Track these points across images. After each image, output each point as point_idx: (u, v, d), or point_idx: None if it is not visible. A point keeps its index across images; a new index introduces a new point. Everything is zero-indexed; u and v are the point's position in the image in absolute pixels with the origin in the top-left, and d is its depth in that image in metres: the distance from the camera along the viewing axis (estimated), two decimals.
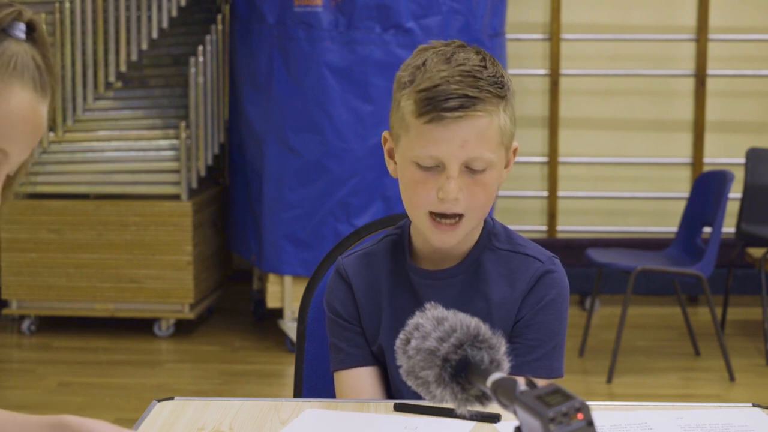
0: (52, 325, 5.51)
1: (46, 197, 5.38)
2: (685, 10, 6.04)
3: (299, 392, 2.09)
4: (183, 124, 5.30)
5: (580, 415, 1.11)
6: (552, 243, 5.94)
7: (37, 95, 1.35)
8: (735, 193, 5.31)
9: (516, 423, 1.17)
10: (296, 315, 2.86)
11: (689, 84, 6.09)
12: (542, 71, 6.08)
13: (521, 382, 1.19)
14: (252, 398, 1.82)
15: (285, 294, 5.24)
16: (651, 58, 6.09)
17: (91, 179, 5.37)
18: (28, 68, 1.34)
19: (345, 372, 1.90)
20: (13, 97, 1.33)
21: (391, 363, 1.87)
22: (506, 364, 1.30)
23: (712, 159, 6.07)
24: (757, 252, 5.22)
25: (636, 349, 5.26)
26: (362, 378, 1.89)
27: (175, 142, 5.36)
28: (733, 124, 6.12)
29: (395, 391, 1.89)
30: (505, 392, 1.19)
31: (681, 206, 5.41)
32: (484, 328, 1.31)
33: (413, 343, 1.33)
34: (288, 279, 5.23)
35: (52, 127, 5.33)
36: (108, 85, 5.40)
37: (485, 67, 1.76)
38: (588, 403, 1.13)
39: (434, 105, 1.72)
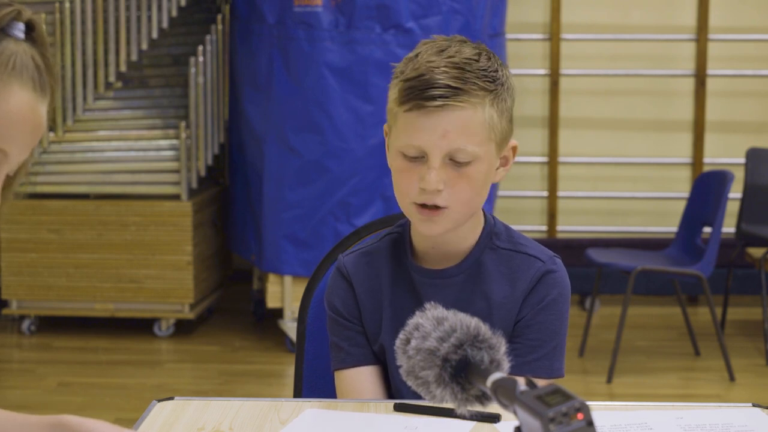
0: (52, 325, 5.51)
1: (46, 197, 5.38)
2: (685, 10, 6.04)
3: (299, 392, 2.09)
4: (183, 124, 5.30)
5: (580, 415, 1.11)
6: (552, 243, 5.94)
7: (36, 95, 1.35)
8: (735, 193, 5.31)
9: (516, 423, 1.17)
10: (296, 315, 2.86)
11: (689, 84, 6.09)
12: (542, 71, 6.08)
13: (521, 382, 1.19)
14: (252, 398, 1.82)
15: (285, 294, 5.24)
16: (651, 58, 6.09)
17: (91, 179, 5.36)
18: (27, 68, 1.34)
19: (346, 371, 1.90)
20: (12, 97, 1.33)
21: (391, 362, 1.87)
22: (506, 364, 1.30)
23: (712, 159, 6.07)
24: (757, 252, 5.22)
25: (636, 349, 5.26)
26: (363, 377, 1.89)
27: (175, 142, 5.36)
28: (733, 124, 6.12)
29: (396, 390, 1.89)
30: (505, 392, 1.19)
31: (681, 206, 5.41)
32: (484, 328, 1.31)
33: (413, 343, 1.33)
34: (288, 279, 5.23)
35: (52, 127, 5.33)
36: (108, 85, 5.40)
37: (477, 60, 1.76)
38: (588, 403, 1.13)
39: (416, 93, 1.73)
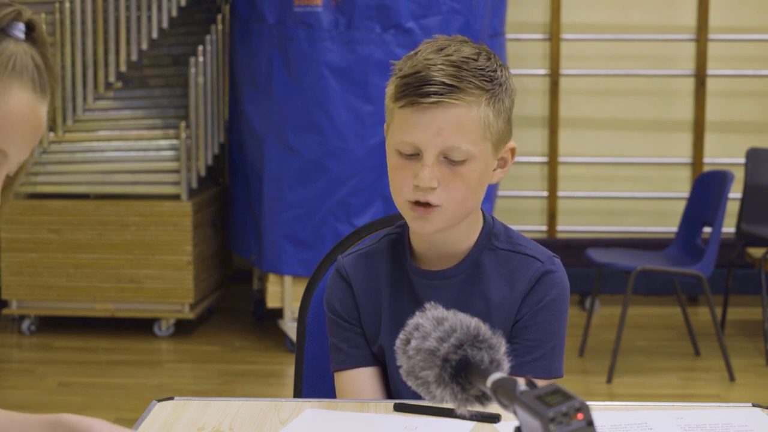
0: (52, 325, 5.51)
1: (46, 197, 5.38)
2: (685, 10, 6.04)
3: (299, 392, 2.09)
4: (183, 124, 5.30)
5: (580, 415, 1.11)
6: (552, 243, 5.94)
7: (36, 95, 1.35)
8: (735, 193, 5.31)
9: (516, 423, 1.17)
10: (296, 315, 2.86)
11: (689, 84, 6.09)
12: (542, 71, 6.08)
13: (521, 382, 1.19)
14: (252, 398, 1.82)
15: (285, 294, 5.24)
16: (651, 58, 6.09)
17: (91, 179, 5.37)
18: (27, 68, 1.34)
19: (345, 372, 1.90)
20: (12, 97, 1.32)
21: (390, 363, 1.87)
22: (506, 364, 1.30)
23: (712, 159, 6.07)
24: (757, 252, 5.22)
25: (636, 349, 5.26)
26: (362, 378, 1.89)
27: (175, 142, 5.36)
28: (733, 124, 6.12)
29: (395, 391, 1.89)
30: (505, 392, 1.19)
31: (681, 206, 5.41)
32: (484, 328, 1.31)
33: (413, 343, 1.33)
34: (288, 279, 5.23)
35: (52, 127, 5.33)
36: (108, 85, 5.40)
37: (476, 59, 1.76)
38: (588, 403, 1.13)
39: (411, 90, 1.73)
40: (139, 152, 5.37)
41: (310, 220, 5.13)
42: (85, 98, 5.37)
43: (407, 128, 1.75)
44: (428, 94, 1.72)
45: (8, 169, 1.36)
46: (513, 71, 6.09)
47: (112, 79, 5.35)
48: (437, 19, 4.99)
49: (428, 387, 1.32)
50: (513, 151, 1.85)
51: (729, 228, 5.54)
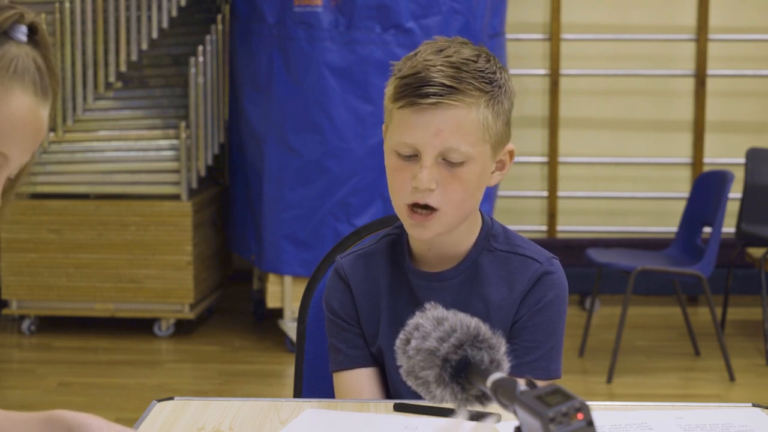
0: (52, 325, 5.51)
1: (46, 197, 5.38)
2: (685, 10, 6.04)
3: (299, 392, 2.09)
4: (183, 124, 5.30)
5: (580, 415, 1.11)
6: (552, 243, 5.94)
7: (37, 98, 1.35)
8: (735, 193, 5.31)
9: (516, 423, 1.18)
10: (296, 315, 2.86)
11: (689, 84, 6.09)
12: (542, 71, 6.08)
13: (521, 382, 1.19)
14: (252, 398, 1.82)
15: (285, 294, 5.24)
16: (651, 58, 6.09)
17: (91, 179, 5.37)
18: (28, 71, 1.33)
19: (344, 373, 1.89)
20: (13, 100, 1.32)
21: (389, 364, 1.87)
22: (506, 364, 1.30)
23: (712, 159, 6.07)
24: (757, 252, 5.22)
25: (636, 349, 5.26)
26: (361, 379, 1.89)
27: (175, 142, 5.36)
28: (733, 124, 6.12)
29: (394, 392, 1.88)
30: (505, 392, 1.19)
31: (681, 206, 5.41)
32: (484, 328, 1.31)
33: (413, 343, 1.33)
34: (288, 279, 5.23)
35: (52, 127, 5.33)
36: (108, 85, 5.40)
37: (475, 61, 1.75)
38: (588, 403, 1.13)
39: (410, 90, 1.73)
40: (139, 152, 5.37)
41: (310, 220, 5.13)
42: (85, 98, 5.37)
43: (406, 129, 1.75)
44: (427, 95, 1.72)
45: (9, 171, 1.36)
46: (513, 71, 6.04)
47: (112, 79, 5.35)
48: (437, 19, 4.99)
49: (428, 387, 1.32)
50: (511, 153, 1.84)
51: (729, 228, 5.54)
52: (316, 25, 5.00)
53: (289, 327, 5.21)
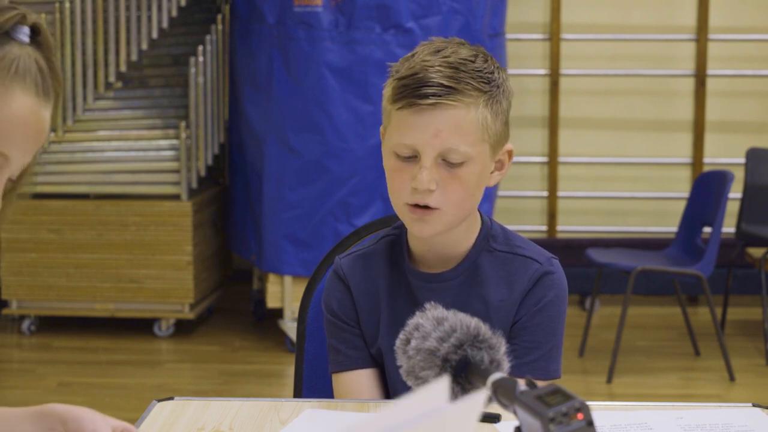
0: (52, 325, 5.51)
1: (46, 197, 5.38)
2: (685, 10, 6.04)
3: (299, 392, 2.09)
4: (183, 124, 5.30)
5: (580, 415, 1.11)
6: (552, 243, 5.94)
7: (39, 99, 1.35)
8: (735, 193, 5.31)
9: (516, 423, 1.18)
10: (296, 315, 2.86)
11: (689, 84, 6.09)
12: (542, 71, 6.08)
13: (521, 382, 1.19)
14: (252, 398, 1.82)
15: (285, 294, 5.24)
16: (651, 58, 6.09)
17: (91, 179, 5.37)
18: (30, 72, 1.33)
19: (343, 374, 1.89)
20: (14, 101, 1.32)
21: (389, 365, 1.86)
22: (506, 364, 1.30)
23: (712, 159, 6.07)
24: (757, 252, 5.22)
25: (636, 349, 5.26)
26: (360, 380, 1.88)
27: (175, 142, 5.36)
28: (733, 124, 6.12)
29: (393, 393, 1.88)
30: (505, 392, 1.19)
31: (681, 206, 5.41)
32: (484, 328, 1.31)
33: (413, 343, 1.33)
34: (288, 279, 5.23)
35: (52, 128, 5.32)
36: (108, 85, 5.40)
37: (473, 61, 1.75)
38: (588, 403, 1.13)
39: (409, 91, 1.72)
40: (139, 152, 5.37)
41: (310, 220, 5.13)
42: (85, 98, 5.37)
43: (405, 130, 1.74)
44: (426, 96, 1.71)
45: (10, 172, 1.36)
46: (513, 71, 6.05)
47: (112, 79, 5.35)
48: (437, 19, 4.99)
49: None
50: (510, 153, 1.84)
51: (729, 228, 5.54)
52: (316, 25, 5.00)
53: (289, 327, 5.21)
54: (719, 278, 5.58)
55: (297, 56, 5.05)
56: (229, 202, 5.75)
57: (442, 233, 1.80)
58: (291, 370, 3.94)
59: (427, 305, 1.36)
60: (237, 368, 5.03)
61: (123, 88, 5.44)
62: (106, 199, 5.37)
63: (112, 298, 5.36)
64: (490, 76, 1.76)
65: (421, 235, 1.79)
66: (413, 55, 1.77)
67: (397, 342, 1.37)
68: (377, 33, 4.98)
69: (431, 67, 1.72)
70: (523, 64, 6.04)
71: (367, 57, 4.98)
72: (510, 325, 1.83)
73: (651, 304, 6.00)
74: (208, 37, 5.36)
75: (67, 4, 5.23)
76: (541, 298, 1.83)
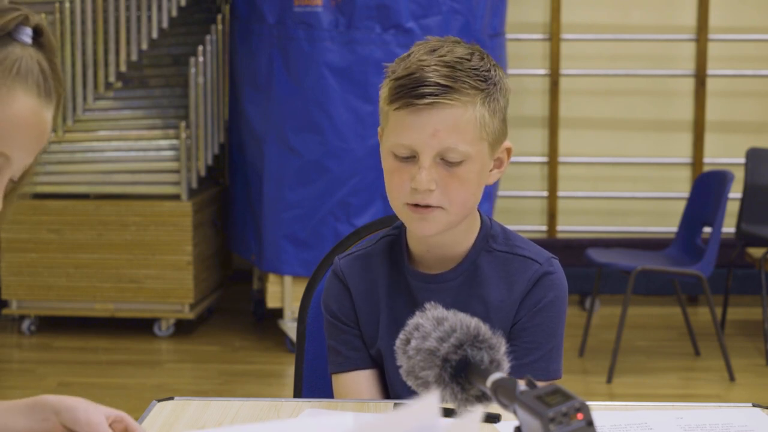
0: (52, 325, 5.51)
1: (46, 197, 5.38)
2: (685, 10, 6.04)
3: (299, 392, 2.09)
4: (183, 124, 5.30)
5: (580, 415, 1.11)
6: (552, 243, 5.94)
7: (41, 100, 1.35)
8: (735, 193, 5.31)
9: (516, 423, 1.18)
10: (296, 315, 2.85)
11: (689, 84, 6.09)
12: (542, 71, 6.08)
13: (521, 382, 1.19)
14: (252, 398, 1.82)
15: (285, 294, 5.24)
16: (651, 58, 6.09)
17: (91, 179, 5.37)
18: (32, 73, 1.34)
19: (343, 375, 1.89)
20: (15, 101, 1.32)
21: (389, 366, 1.86)
22: (506, 364, 1.30)
23: (712, 159, 6.07)
24: (757, 252, 5.22)
25: (636, 349, 5.26)
26: (360, 381, 1.88)
27: (175, 142, 5.36)
28: (733, 124, 6.12)
29: (393, 394, 1.88)
30: (505, 392, 1.19)
31: (681, 206, 5.41)
32: (484, 328, 1.31)
33: (413, 343, 1.33)
34: (288, 279, 5.23)
35: (52, 128, 5.32)
36: (108, 85, 5.40)
37: (469, 59, 1.75)
38: (588, 403, 1.13)
39: (406, 92, 1.72)
40: (139, 152, 5.37)
41: (310, 220, 5.13)
42: (85, 98, 5.37)
43: (402, 130, 1.74)
44: (423, 96, 1.71)
45: (11, 173, 1.36)
46: (513, 71, 6.03)
47: (112, 79, 5.35)
48: (437, 19, 4.99)
49: (428, 387, 1.32)
50: (509, 151, 1.83)
51: (729, 228, 5.54)
52: (316, 25, 5.00)
53: (289, 327, 5.21)
54: (719, 278, 5.58)
55: (297, 56, 5.05)
56: (229, 202, 5.76)
57: (443, 232, 1.79)
58: (291, 370, 3.94)
59: (427, 305, 1.36)
60: (237, 368, 5.03)
61: (123, 88, 5.44)
62: (106, 199, 5.37)
63: (112, 298, 5.36)
64: (486, 74, 1.75)
65: (423, 234, 1.79)
66: (409, 55, 1.76)
67: (397, 342, 1.37)
68: (377, 33, 4.98)
69: (427, 66, 1.72)
70: (523, 64, 6.04)
71: (367, 57, 4.98)
72: (510, 326, 1.83)
73: (651, 304, 6.00)
74: (208, 37, 5.36)
75: (67, 4, 5.23)
76: (541, 298, 1.82)
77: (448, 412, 1.68)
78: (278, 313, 5.43)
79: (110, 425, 1.51)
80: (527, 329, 1.82)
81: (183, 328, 5.50)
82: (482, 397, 1.30)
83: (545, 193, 6.15)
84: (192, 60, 5.28)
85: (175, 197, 5.35)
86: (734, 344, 5.25)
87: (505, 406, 1.20)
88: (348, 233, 2.14)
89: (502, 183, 5.87)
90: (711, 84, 6.05)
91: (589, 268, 5.56)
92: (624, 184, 6.16)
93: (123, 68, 5.35)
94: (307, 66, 5.03)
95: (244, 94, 5.31)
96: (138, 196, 5.37)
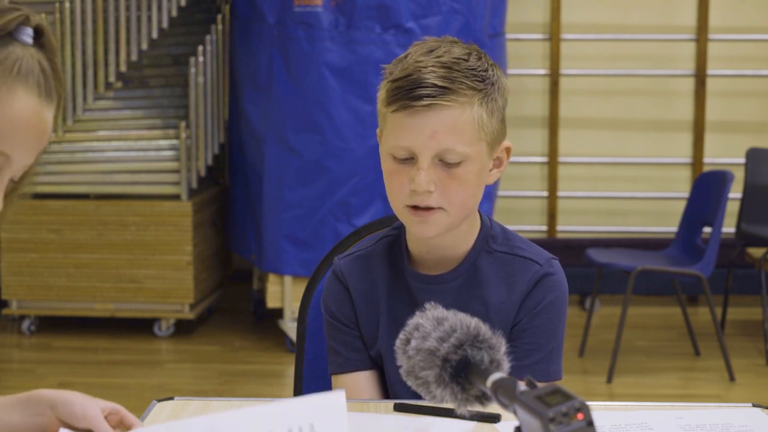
0: (52, 325, 5.51)
1: (46, 197, 5.38)
2: (685, 10, 6.04)
3: (299, 392, 2.09)
4: (183, 124, 5.30)
5: (580, 415, 1.11)
6: (552, 243, 5.94)
7: (41, 100, 1.35)
8: (735, 193, 5.31)
9: (516, 423, 1.18)
10: (296, 315, 2.85)
11: (689, 84, 6.09)
12: (542, 71, 6.08)
13: (521, 382, 1.19)
14: (252, 398, 1.82)
15: (285, 294, 5.24)
16: (651, 58, 6.09)
17: (91, 179, 5.37)
18: (32, 73, 1.34)
19: (342, 376, 1.89)
20: (16, 101, 1.33)
21: (389, 367, 1.86)
22: (506, 364, 1.30)
23: (712, 159, 6.07)
24: (757, 252, 5.22)
25: (636, 349, 5.26)
26: (360, 382, 1.88)
27: (175, 142, 5.36)
28: (733, 124, 6.12)
29: (393, 395, 1.87)
30: (505, 392, 1.19)
31: (681, 206, 5.41)
32: (484, 328, 1.31)
33: (413, 343, 1.33)
34: (288, 279, 5.23)
35: (53, 128, 5.32)
36: (108, 85, 5.40)
37: (466, 60, 1.74)
38: (588, 403, 1.13)
39: (403, 93, 1.71)
40: (139, 152, 5.37)
41: (310, 220, 5.13)
42: (85, 98, 5.37)
43: (401, 132, 1.73)
44: (421, 97, 1.70)
45: (12, 173, 1.36)
46: (513, 71, 6.03)
47: (112, 79, 5.35)
48: (437, 19, 4.99)
49: (428, 387, 1.32)
50: (508, 150, 1.83)
51: (729, 228, 5.54)
52: (316, 25, 5.00)
53: (289, 327, 5.21)
54: (719, 278, 5.58)
55: (297, 56, 5.05)
56: (229, 202, 5.76)
57: (444, 233, 1.79)
58: (291, 370, 3.94)
59: (427, 305, 1.36)
60: (237, 368, 5.03)
61: (123, 88, 5.44)
62: (106, 199, 5.37)
63: (112, 298, 5.36)
64: (484, 74, 1.74)
65: (424, 236, 1.78)
66: (406, 56, 1.76)
67: (397, 342, 1.37)
68: (377, 33, 4.98)
69: (424, 67, 1.71)
70: (523, 64, 6.04)
71: (367, 57, 4.98)
72: (510, 327, 1.82)
73: (651, 304, 6.00)
74: (208, 37, 5.36)
75: (67, 4, 5.23)
76: (541, 299, 1.82)
77: (448, 412, 1.69)
78: (278, 313, 5.43)
79: (105, 418, 1.51)
80: (527, 330, 1.82)
81: (183, 328, 5.50)
82: (482, 397, 1.30)
83: (545, 193, 6.15)
84: (192, 60, 5.28)
85: (175, 197, 5.35)
86: (734, 344, 5.25)
87: (505, 406, 1.20)
88: (348, 233, 2.14)
89: (502, 183, 5.87)
90: (711, 84, 6.05)
91: (589, 268, 5.56)
92: (624, 184, 6.16)
93: (123, 68, 5.35)
94: (307, 66, 5.03)
95: (244, 94, 5.31)
96: (138, 196, 5.37)
